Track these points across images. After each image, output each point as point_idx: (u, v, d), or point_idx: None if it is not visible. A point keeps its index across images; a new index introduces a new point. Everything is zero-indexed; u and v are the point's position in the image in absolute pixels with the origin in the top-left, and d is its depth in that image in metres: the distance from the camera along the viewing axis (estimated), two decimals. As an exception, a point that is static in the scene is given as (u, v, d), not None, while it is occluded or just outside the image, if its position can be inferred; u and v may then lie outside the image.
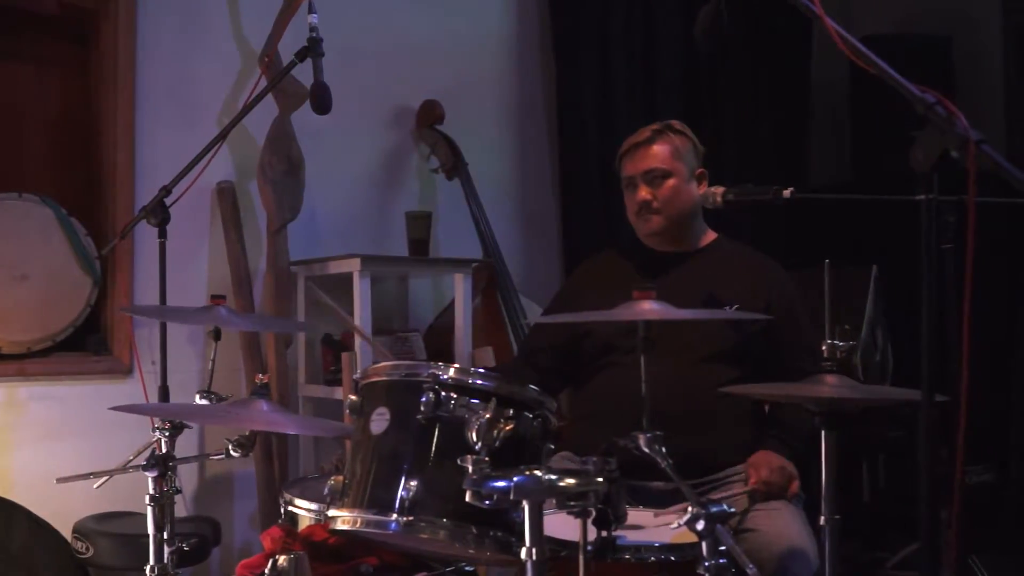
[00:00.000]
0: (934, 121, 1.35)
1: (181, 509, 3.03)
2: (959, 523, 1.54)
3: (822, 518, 1.72)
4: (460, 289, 3.22)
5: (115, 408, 1.83)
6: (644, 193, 2.42)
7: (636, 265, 2.48)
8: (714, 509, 1.51)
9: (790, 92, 4.32)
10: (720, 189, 2.29)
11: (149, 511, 2.03)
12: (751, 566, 1.54)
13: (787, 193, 2.14)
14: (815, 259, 1.91)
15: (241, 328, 3.01)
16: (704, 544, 1.52)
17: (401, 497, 1.62)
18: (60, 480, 2.21)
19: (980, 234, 1.37)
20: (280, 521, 2.12)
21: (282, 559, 1.75)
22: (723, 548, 1.52)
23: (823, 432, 1.72)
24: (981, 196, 1.37)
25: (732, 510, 1.55)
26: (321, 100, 2.42)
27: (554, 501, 1.54)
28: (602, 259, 2.61)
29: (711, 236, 2.52)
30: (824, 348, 1.77)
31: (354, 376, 1.87)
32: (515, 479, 1.47)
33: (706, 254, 2.48)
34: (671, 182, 2.41)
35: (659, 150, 2.42)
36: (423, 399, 1.64)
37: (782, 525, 2.07)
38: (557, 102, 3.84)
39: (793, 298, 2.40)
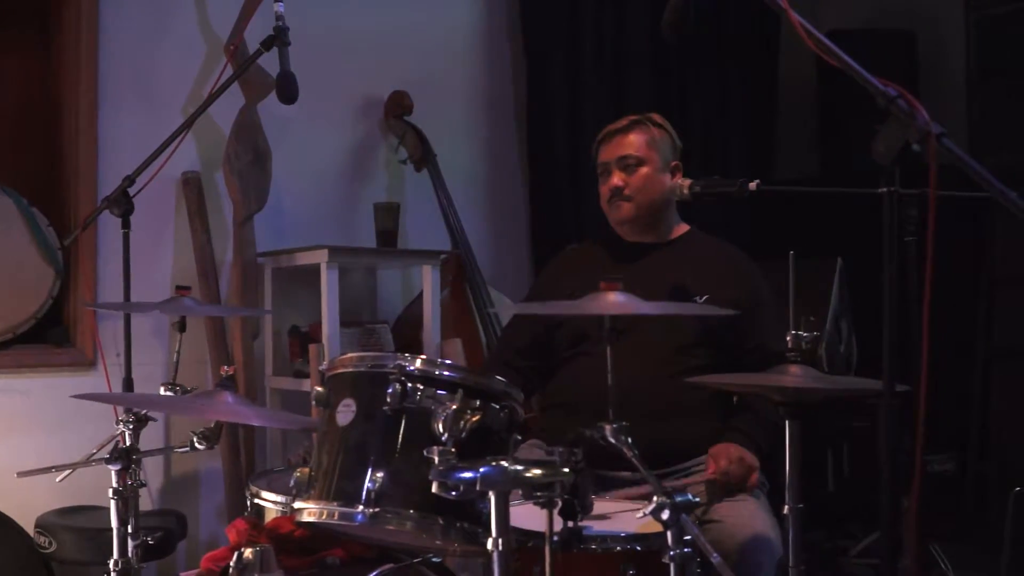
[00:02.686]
0: (896, 115, 1.37)
1: (147, 503, 3.01)
2: (920, 511, 1.57)
3: (786, 507, 1.74)
4: (428, 281, 3.21)
5: (77, 396, 1.81)
6: (616, 179, 2.43)
7: (608, 256, 2.50)
8: (679, 499, 1.52)
9: (758, 86, 4.35)
10: (687, 181, 2.32)
11: (113, 505, 2.01)
12: (715, 555, 1.55)
13: (753, 186, 2.16)
14: (781, 251, 1.93)
15: (207, 314, 2.98)
16: (669, 534, 1.53)
17: (367, 489, 1.61)
18: (21, 474, 2.19)
19: (941, 227, 1.39)
20: (246, 514, 2.11)
21: (248, 552, 1.74)
22: (688, 538, 1.53)
23: (787, 422, 1.73)
24: (942, 190, 1.39)
25: (697, 500, 1.56)
26: (287, 90, 2.40)
27: (520, 492, 1.54)
28: (575, 251, 2.62)
29: (683, 228, 2.54)
30: (789, 339, 1.79)
31: (320, 367, 1.86)
32: (481, 470, 1.47)
33: (677, 246, 2.50)
34: (644, 170, 2.42)
35: (635, 139, 2.44)
36: (389, 390, 1.64)
37: (746, 514, 2.09)
38: (526, 93, 3.84)
39: (762, 292, 2.42)
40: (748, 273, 2.45)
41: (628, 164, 2.42)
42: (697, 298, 2.34)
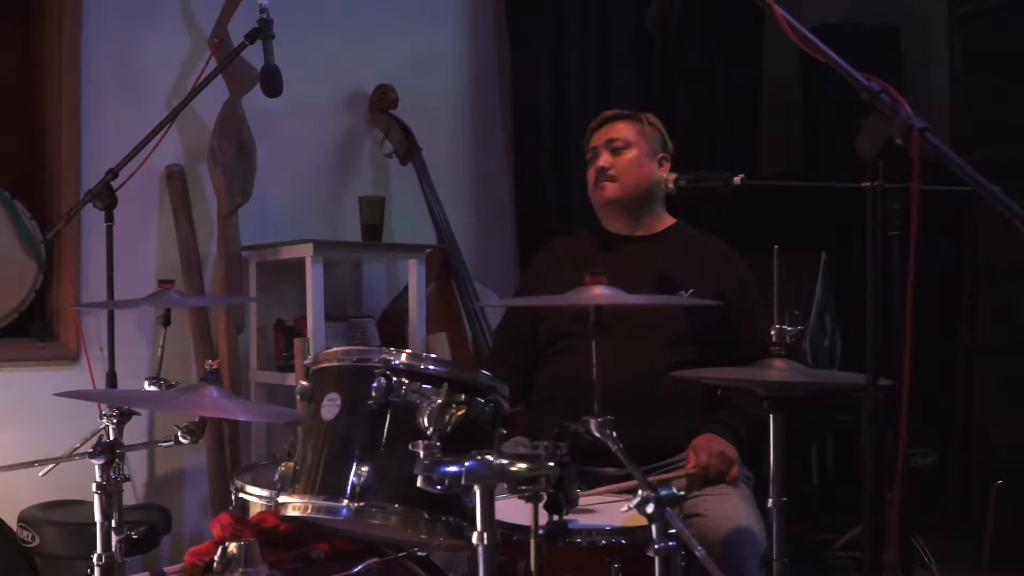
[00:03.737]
0: (879, 109, 1.37)
1: (131, 497, 3.00)
2: (903, 504, 1.58)
3: (770, 500, 1.75)
4: (414, 275, 3.21)
5: (61, 394, 1.79)
6: (603, 160, 2.45)
7: (594, 249, 2.50)
8: (664, 492, 1.52)
9: (742, 80, 4.36)
10: (672, 175, 2.32)
11: (96, 499, 1.99)
12: (699, 548, 1.55)
13: (738, 180, 2.17)
14: (765, 245, 1.94)
15: (191, 305, 2.96)
16: (654, 527, 1.53)
17: (352, 483, 1.61)
18: (4, 468, 2.17)
19: (925, 221, 1.40)
20: (230, 508, 2.10)
21: (232, 546, 1.73)
22: (672, 531, 1.54)
23: (771, 416, 1.74)
24: (926, 184, 1.39)
25: (681, 493, 1.56)
26: (271, 83, 2.40)
27: (506, 486, 1.54)
28: (562, 244, 2.63)
29: (669, 221, 2.55)
30: (773, 333, 1.79)
31: (305, 362, 1.85)
32: (466, 464, 1.47)
33: (664, 239, 2.51)
34: (631, 153, 2.44)
35: (624, 126, 2.48)
36: (374, 384, 1.64)
37: (730, 508, 2.10)
38: (511, 87, 3.84)
39: (748, 286, 2.43)
40: (735, 266, 2.46)
41: (616, 147, 2.45)
42: (683, 292, 2.34)
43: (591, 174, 2.49)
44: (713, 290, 2.30)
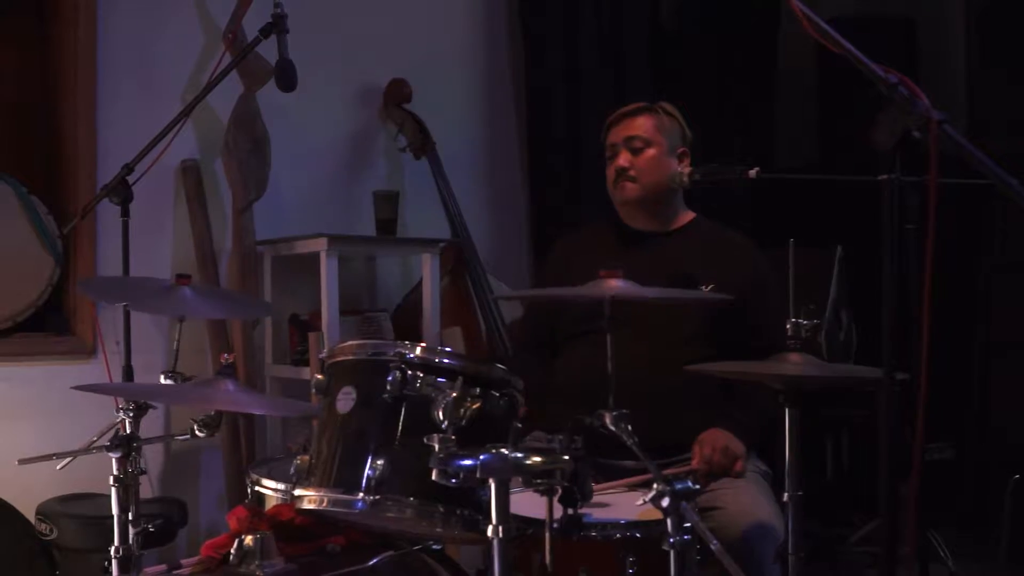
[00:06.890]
0: (897, 102, 1.37)
1: (147, 490, 3.01)
2: (919, 499, 1.57)
3: (785, 494, 1.75)
4: (428, 269, 3.21)
5: (77, 387, 1.81)
6: (622, 160, 2.44)
7: (612, 244, 2.50)
8: (679, 486, 1.52)
9: (757, 72, 4.34)
10: (686, 168, 2.31)
11: (113, 492, 2.01)
12: (715, 542, 1.55)
13: (752, 173, 2.16)
14: (781, 239, 1.93)
15: (206, 315, 2.96)
16: (669, 521, 1.53)
17: (368, 476, 1.62)
18: (22, 461, 2.18)
19: (942, 215, 1.39)
20: (246, 501, 2.11)
21: (248, 539, 1.75)
22: (688, 525, 1.53)
23: (787, 409, 1.74)
24: (943, 177, 1.39)
25: (697, 487, 1.56)
26: (286, 77, 2.40)
27: (520, 479, 1.54)
28: (581, 237, 2.63)
29: (689, 216, 2.54)
30: (789, 327, 1.79)
31: (320, 355, 1.86)
32: (481, 457, 1.48)
33: (683, 234, 2.50)
34: (651, 152, 2.43)
35: (643, 122, 2.46)
36: (389, 378, 1.64)
37: (747, 502, 2.09)
38: (525, 82, 3.83)
39: (767, 281, 2.41)
40: (754, 261, 2.45)
41: (635, 146, 2.44)
42: (703, 287, 2.34)
43: (611, 172, 2.48)
44: (732, 285, 2.29)
